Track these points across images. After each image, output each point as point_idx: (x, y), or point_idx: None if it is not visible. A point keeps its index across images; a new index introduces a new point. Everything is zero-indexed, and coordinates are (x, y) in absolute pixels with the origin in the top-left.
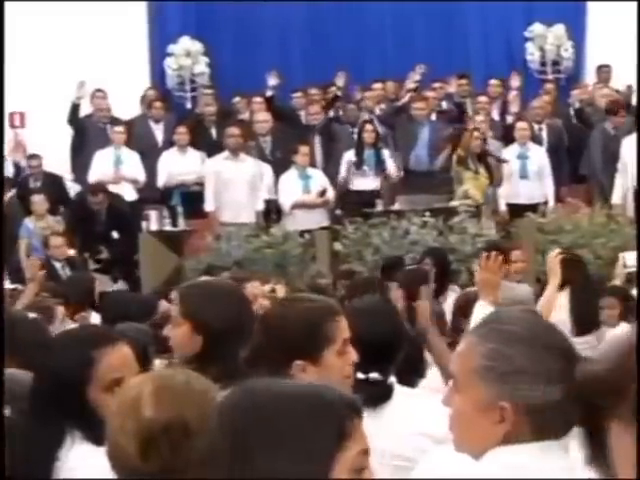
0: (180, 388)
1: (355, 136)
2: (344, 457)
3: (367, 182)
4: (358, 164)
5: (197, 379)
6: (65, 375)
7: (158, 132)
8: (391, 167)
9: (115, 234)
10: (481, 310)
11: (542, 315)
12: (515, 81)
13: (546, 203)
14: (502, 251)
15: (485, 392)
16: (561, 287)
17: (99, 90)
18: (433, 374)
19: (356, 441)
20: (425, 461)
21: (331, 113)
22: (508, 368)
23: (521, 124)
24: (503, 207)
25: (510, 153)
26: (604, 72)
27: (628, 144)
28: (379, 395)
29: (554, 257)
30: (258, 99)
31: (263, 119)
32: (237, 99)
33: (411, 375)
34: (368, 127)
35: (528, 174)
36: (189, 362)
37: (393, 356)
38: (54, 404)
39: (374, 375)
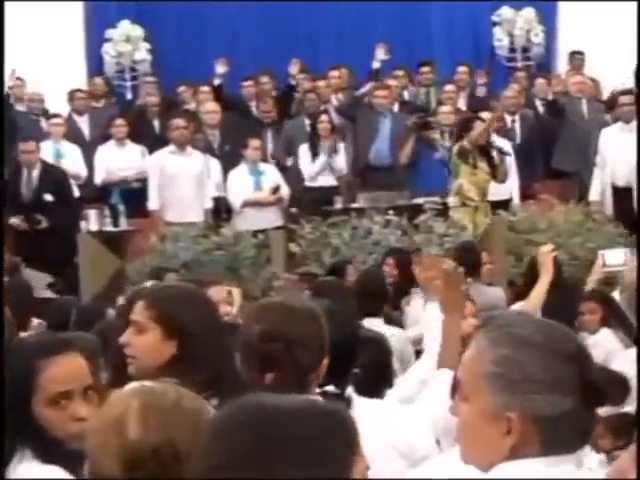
0: (169, 407)
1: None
2: (357, 470)
3: (324, 178)
4: (313, 159)
5: (189, 397)
6: (10, 386)
7: (83, 125)
8: (340, 162)
9: (49, 197)
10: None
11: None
12: (482, 77)
13: (510, 200)
14: (472, 253)
15: (493, 401)
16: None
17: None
18: (402, 383)
19: (362, 453)
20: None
21: None
22: (518, 375)
23: (484, 115)
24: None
25: None
26: (577, 59)
27: (607, 137)
28: None
29: (547, 253)
30: (205, 88)
31: (211, 110)
32: (182, 88)
33: (377, 385)
34: (323, 118)
35: None
36: (161, 371)
37: (350, 365)
38: (2, 418)
39: (330, 388)
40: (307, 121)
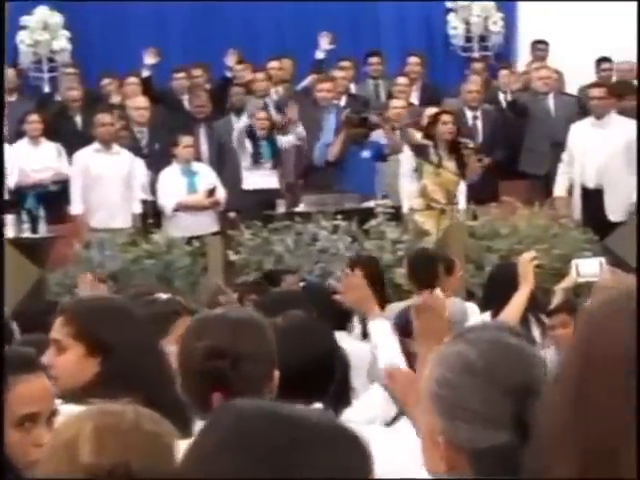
0: (126, 429)
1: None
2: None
3: (264, 179)
4: (254, 159)
5: (149, 418)
6: None
7: None
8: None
9: None
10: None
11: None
12: (415, 66)
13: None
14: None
15: (432, 421)
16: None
17: None
18: (361, 404)
19: None
20: None
21: None
22: (452, 400)
23: (431, 111)
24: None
25: None
26: (540, 49)
27: (577, 132)
28: None
29: (528, 262)
30: (133, 80)
31: (140, 105)
32: (106, 80)
33: (336, 403)
34: (260, 115)
35: None
36: (85, 391)
37: (326, 384)
38: (2, 416)
39: (318, 406)
40: (245, 118)
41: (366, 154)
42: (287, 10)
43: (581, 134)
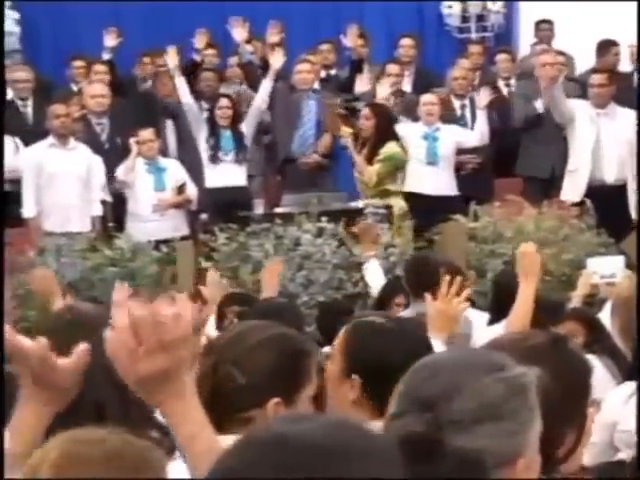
0: (95, 460)
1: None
2: None
3: (228, 176)
4: (213, 153)
5: (134, 450)
6: None
7: None
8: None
9: None
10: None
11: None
12: (408, 49)
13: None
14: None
15: None
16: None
17: None
18: None
19: None
20: None
21: None
22: None
23: (427, 97)
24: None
25: (414, 134)
26: (545, 30)
27: (583, 122)
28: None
29: (531, 253)
30: (101, 67)
31: (96, 92)
32: (78, 63)
33: None
34: (223, 102)
35: (438, 160)
36: None
37: None
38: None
39: None
40: (205, 105)
41: None
42: None
43: (588, 124)
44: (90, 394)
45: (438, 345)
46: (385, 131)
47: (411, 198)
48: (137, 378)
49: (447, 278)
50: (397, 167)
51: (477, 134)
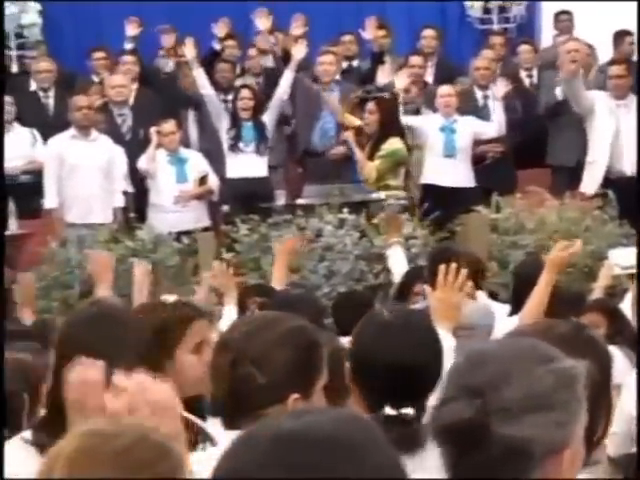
0: (105, 456)
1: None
2: None
3: (249, 167)
4: (234, 143)
5: (147, 446)
6: None
7: None
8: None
9: None
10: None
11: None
12: (430, 40)
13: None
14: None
15: None
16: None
17: None
18: None
19: None
20: None
21: None
22: None
23: (444, 89)
24: None
25: (431, 125)
26: (564, 21)
27: (603, 113)
28: (413, 437)
29: (558, 249)
30: (128, 58)
31: (117, 82)
32: (99, 54)
33: None
34: (244, 93)
35: (455, 152)
36: None
37: (431, 386)
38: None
39: (407, 411)
40: (221, 96)
41: None
42: None
43: (607, 116)
44: None
45: (445, 335)
46: (389, 126)
47: (429, 190)
48: None
49: (442, 267)
50: (398, 163)
51: (495, 125)
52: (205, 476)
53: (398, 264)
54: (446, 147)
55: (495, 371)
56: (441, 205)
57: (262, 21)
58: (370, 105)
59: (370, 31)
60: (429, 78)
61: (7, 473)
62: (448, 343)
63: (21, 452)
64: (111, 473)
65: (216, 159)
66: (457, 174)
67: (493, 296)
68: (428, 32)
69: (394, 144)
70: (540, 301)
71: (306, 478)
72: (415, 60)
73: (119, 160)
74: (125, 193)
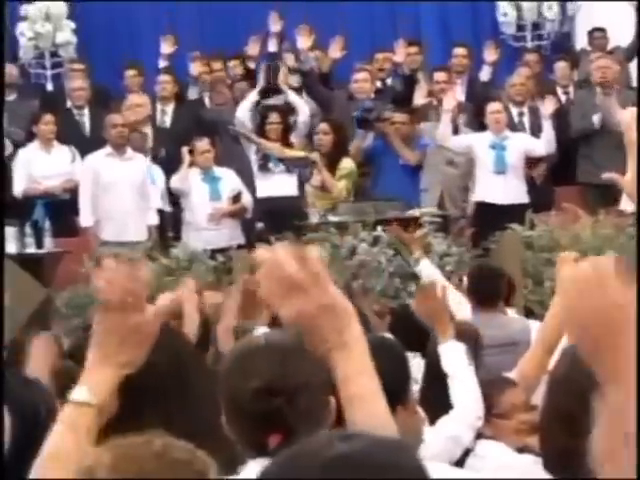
0: (147, 456)
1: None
2: None
3: (279, 187)
4: (263, 163)
5: (178, 447)
6: None
7: None
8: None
9: None
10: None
11: None
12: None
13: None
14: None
15: None
16: None
17: None
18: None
19: None
20: None
21: None
22: None
23: (493, 106)
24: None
25: (482, 143)
26: (598, 38)
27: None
28: None
29: (565, 262)
30: (165, 77)
31: (135, 102)
32: (131, 72)
33: None
34: (273, 117)
35: (506, 169)
36: None
37: None
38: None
39: None
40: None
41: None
42: None
43: None
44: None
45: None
46: (342, 146)
47: (481, 207)
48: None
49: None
50: (353, 182)
51: (544, 142)
52: None
53: (431, 274)
54: (496, 164)
55: None
56: (492, 222)
57: (303, 39)
58: (324, 126)
59: (400, 54)
60: (460, 96)
61: None
62: None
63: None
64: (155, 473)
65: (246, 176)
66: (509, 191)
67: (528, 312)
68: (459, 50)
69: (349, 163)
70: (550, 329)
71: None
72: (440, 76)
73: (158, 179)
74: (162, 211)
